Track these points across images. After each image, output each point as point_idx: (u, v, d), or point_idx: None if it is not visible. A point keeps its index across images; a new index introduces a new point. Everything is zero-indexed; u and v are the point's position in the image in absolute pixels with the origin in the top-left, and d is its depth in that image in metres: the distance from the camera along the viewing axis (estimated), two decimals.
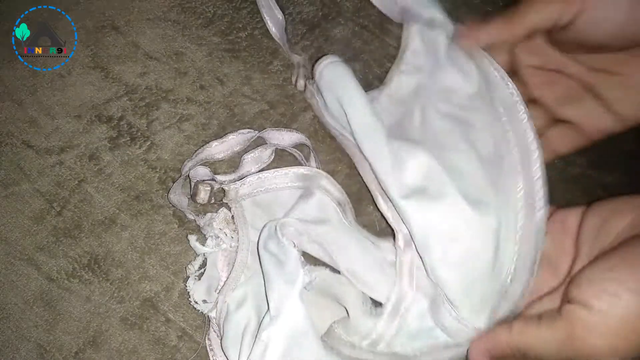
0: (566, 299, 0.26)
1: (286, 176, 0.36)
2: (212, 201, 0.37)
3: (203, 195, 0.36)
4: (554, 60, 0.32)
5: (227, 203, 0.38)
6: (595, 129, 0.32)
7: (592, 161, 0.39)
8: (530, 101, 0.33)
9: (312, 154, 0.40)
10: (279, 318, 0.30)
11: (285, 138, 0.41)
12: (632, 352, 0.23)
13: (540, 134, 0.31)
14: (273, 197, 0.37)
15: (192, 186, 0.37)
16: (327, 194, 0.36)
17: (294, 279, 0.31)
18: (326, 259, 0.35)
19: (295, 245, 0.32)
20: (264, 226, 0.35)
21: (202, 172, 0.39)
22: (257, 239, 0.36)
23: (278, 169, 0.37)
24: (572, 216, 0.29)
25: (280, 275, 0.32)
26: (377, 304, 0.34)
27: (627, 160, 0.39)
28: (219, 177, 0.40)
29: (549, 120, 0.34)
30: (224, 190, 0.37)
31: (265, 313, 0.32)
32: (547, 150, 0.32)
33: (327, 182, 0.36)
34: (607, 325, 0.23)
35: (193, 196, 0.37)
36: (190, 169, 0.40)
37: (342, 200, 0.36)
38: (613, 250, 0.25)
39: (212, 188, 0.37)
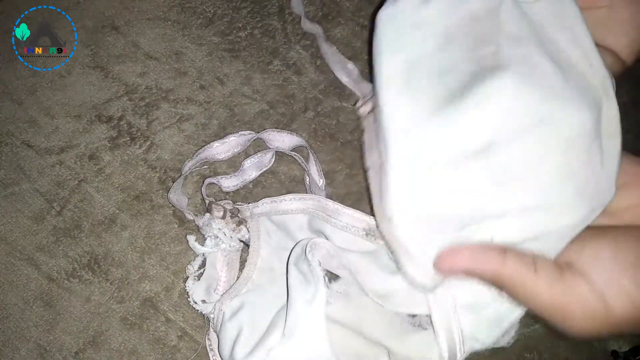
0: (569, 256, 0.24)
1: (303, 202, 0.35)
2: (228, 217, 0.37)
3: (217, 213, 0.37)
4: None
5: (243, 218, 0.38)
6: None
7: None
8: None
9: (311, 155, 0.40)
10: (291, 339, 0.30)
11: (286, 140, 0.41)
12: (603, 336, 0.24)
13: None
14: (289, 216, 0.37)
15: (206, 204, 0.38)
16: (351, 227, 0.33)
17: (315, 300, 0.30)
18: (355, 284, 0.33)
19: (321, 266, 0.31)
20: (297, 244, 0.34)
21: (209, 182, 0.39)
22: (285, 255, 0.35)
23: (294, 195, 0.36)
24: None
25: (302, 295, 0.31)
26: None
27: None
28: (222, 180, 0.40)
29: None
30: (238, 209, 0.37)
31: (269, 328, 0.32)
32: None
33: (349, 218, 0.33)
34: (606, 317, 0.23)
35: (208, 212, 0.38)
36: (190, 169, 0.40)
37: (368, 228, 0.34)
38: (637, 240, 0.24)
39: (225, 210, 0.37)
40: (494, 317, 0.28)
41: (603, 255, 0.23)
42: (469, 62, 0.27)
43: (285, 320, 0.31)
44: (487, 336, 0.29)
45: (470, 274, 0.25)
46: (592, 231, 0.25)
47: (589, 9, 0.29)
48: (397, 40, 0.30)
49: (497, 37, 0.26)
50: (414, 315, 0.33)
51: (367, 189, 0.37)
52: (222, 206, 0.37)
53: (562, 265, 0.24)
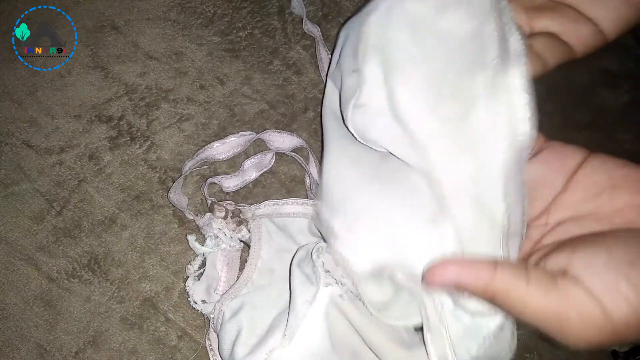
0: (560, 263, 0.24)
1: (305, 207, 0.36)
2: (230, 217, 0.37)
3: (219, 214, 0.37)
4: None
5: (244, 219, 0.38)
6: (575, 39, 0.30)
7: None
8: None
9: (310, 156, 0.40)
10: (292, 340, 0.30)
11: (286, 141, 0.41)
12: (604, 345, 0.23)
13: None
14: (290, 219, 0.37)
15: (208, 205, 0.38)
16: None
17: (316, 301, 0.31)
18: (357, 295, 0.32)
19: (325, 270, 0.31)
20: (302, 247, 0.34)
21: (206, 187, 0.39)
22: (286, 257, 0.36)
23: (297, 200, 0.36)
24: (571, 154, 0.27)
25: (303, 295, 0.31)
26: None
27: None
28: (223, 180, 0.40)
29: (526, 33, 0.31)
30: (239, 210, 0.38)
31: (270, 329, 0.32)
32: (535, 61, 0.30)
33: None
34: (604, 323, 0.22)
35: (210, 212, 0.38)
36: (190, 169, 0.40)
37: None
38: (630, 241, 0.23)
39: (227, 210, 0.37)
40: (472, 325, 0.28)
41: (597, 260, 0.23)
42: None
43: (287, 321, 0.31)
44: (473, 345, 0.28)
45: (460, 287, 0.25)
46: (585, 237, 0.25)
47: None
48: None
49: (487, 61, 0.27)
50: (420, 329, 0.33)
51: None
52: (224, 207, 0.37)
53: (556, 273, 0.24)
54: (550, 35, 0.31)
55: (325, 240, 0.32)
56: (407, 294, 0.29)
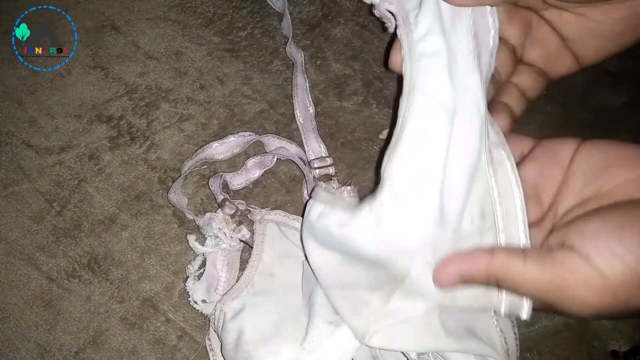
0: (558, 239, 0.25)
1: None
2: (237, 214, 0.38)
3: (228, 211, 0.37)
4: None
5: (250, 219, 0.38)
6: (555, 71, 0.32)
7: None
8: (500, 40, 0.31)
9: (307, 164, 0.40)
10: (313, 354, 0.31)
11: (284, 148, 0.41)
12: (609, 312, 0.23)
13: (507, 80, 0.31)
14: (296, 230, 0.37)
15: (220, 201, 0.38)
16: None
17: (337, 324, 0.31)
18: None
19: None
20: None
21: (217, 183, 0.39)
22: (287, 262, 0.36)
23: None
24: (564, 146, 0.28)
25: (327, 314, 0.31)
26: None
27: None
28: (233, 179, 0.40)
29: (514, 63, 0.32)
30: (249, 210, 0.38)
31: (278, 335, 0.32)
32: (519, 97, 0.31)
33: None
34: (602, 285, 0.22)
35: (220, 207, 0.38)
36: (189, 169, 0.40)
37: None
38: (623, 208, 0.24)
39: (237, 209, 0.37)
40: None
41: (590, 228, 0.23)
42: None
43: (306, 334, 0.31)
44: None
45: (465, 280, 0.26)
46: (583, 213, 0.25)
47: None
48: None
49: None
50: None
51: (368, 189, 0.37)
52: (235, 205, 0.37)
53: (553, 247, 0.24)
54: (535, 71, 0.32)
55: None
56: None
